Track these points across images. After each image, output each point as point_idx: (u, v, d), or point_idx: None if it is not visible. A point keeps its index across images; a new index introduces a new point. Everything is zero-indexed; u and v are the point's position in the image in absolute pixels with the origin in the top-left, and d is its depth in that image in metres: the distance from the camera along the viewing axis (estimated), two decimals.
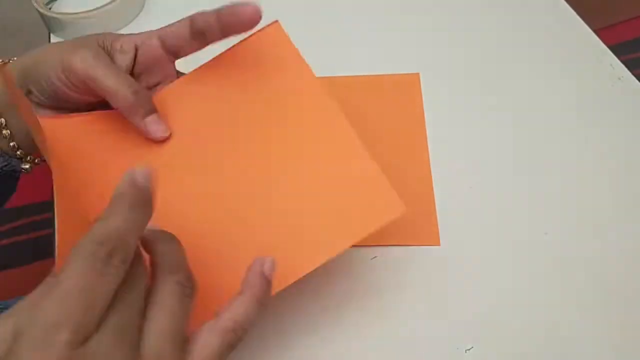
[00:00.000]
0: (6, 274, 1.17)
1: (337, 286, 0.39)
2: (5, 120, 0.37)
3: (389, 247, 0.41)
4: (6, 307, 0.55)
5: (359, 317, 0.38)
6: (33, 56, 0.36)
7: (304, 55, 0.37)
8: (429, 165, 0.45)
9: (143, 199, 0.25)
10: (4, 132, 0.37)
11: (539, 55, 0.53)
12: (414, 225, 0.41)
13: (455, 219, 0.42)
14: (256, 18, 0.35)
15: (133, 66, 0.37)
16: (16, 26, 1.19)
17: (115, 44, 0.36)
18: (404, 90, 0.50)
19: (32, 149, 0.38)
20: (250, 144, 0.36)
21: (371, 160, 0.34)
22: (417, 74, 0.51)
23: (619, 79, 0.51)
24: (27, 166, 0.39)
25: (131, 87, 0.34)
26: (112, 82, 0.34)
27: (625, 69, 0.51)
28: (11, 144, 0.37)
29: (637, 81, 0.51)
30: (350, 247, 0.32)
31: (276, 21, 0.37)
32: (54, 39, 0.56)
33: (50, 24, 0.56)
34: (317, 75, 0.36)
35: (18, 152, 0.38)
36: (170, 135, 0.36)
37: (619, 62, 0.52)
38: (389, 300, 0.38)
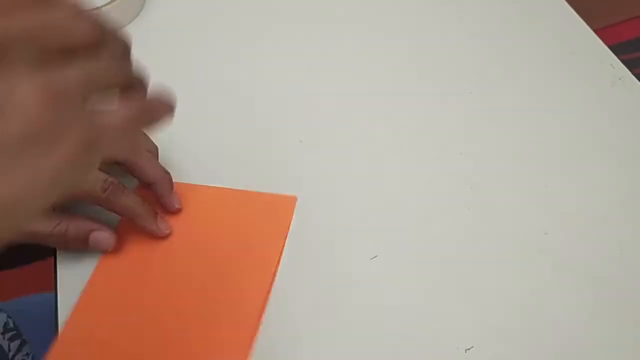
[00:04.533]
0: (6, 274, 1.17)
1: (337, 285, 0.39)
2: None
3: (391, 246, 0.41)
4: (3, 310, 0.55)
5: (358, 317, 0.38)
6: None
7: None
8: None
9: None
10: None
11: (539, 55, 0.53)
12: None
13: (457, 218, 0.42)
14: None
15: None
16: None
17: None
18: (274, 214, 0.43)
19: None
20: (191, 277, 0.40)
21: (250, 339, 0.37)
22: (294, 197, 0.44)
23: (619, 79, 0.51)
24: None
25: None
26: None
27: (625, 69, 0.51)
28: None
29: (637, 81, 0.51)
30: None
31: (294, 197, 0.43)
32: None
33: None
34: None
35: None
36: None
37: (619, 62, 0.52)
38: (389, 300, 0.38)
